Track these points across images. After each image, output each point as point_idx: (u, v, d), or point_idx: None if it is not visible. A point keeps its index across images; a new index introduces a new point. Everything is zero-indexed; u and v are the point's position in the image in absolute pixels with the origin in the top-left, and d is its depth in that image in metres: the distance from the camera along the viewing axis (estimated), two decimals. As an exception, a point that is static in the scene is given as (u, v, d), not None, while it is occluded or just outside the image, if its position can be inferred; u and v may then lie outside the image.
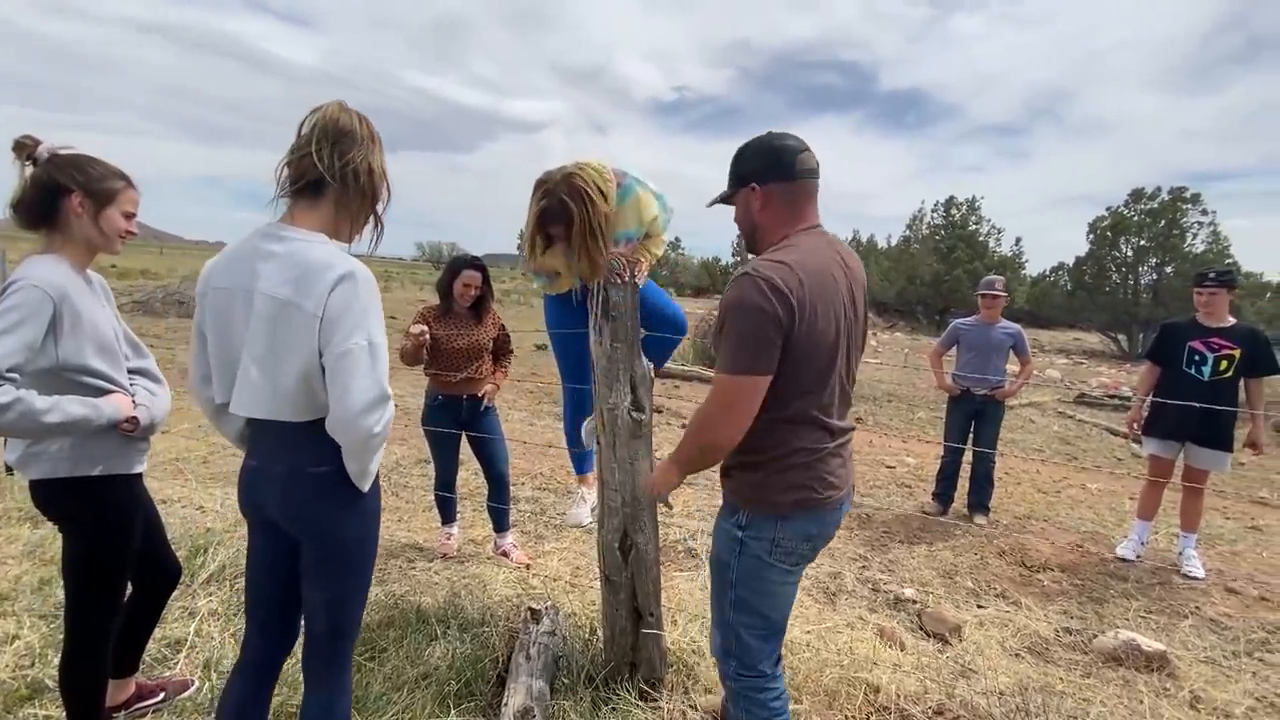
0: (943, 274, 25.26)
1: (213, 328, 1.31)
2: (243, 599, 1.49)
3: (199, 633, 2.32)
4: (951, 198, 27.91)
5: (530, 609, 2.35)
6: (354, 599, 1.41)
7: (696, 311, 13.90)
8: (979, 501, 4.33)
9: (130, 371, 1.70)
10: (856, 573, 3.40)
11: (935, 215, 28.49)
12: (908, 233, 29.67)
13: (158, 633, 2.17)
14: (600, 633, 2.24)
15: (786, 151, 1.41)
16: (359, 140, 1.31)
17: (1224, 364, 3.49)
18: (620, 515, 2.03)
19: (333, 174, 1.28)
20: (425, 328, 2.96)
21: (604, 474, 2.05)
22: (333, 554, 1.34)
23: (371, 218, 1.40)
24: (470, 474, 4.20)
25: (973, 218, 27.22)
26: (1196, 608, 3.24)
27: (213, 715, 1.69)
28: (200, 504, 3.73)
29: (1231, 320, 3.58)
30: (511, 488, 3.42)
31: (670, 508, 1.71)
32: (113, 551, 1.66)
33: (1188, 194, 19.88)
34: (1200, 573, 3.57)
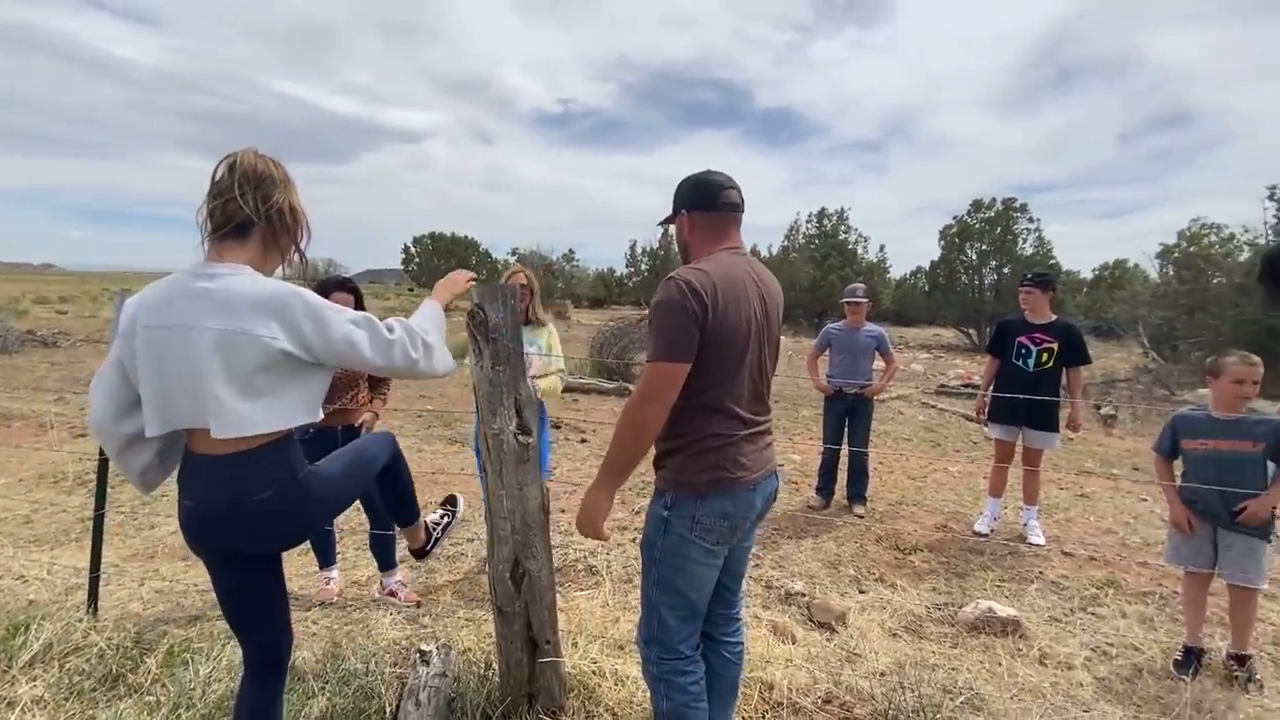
0: (819, 280, 27.07)
1: (146, 364, 1.37)
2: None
3: (18, 728, 1.98)
4: (823, 209, 30.07)
5: (419, 650, 2.22)
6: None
7: (593, 323, 13.91)
8: (857, 493, 4.65)
9: None
10: (750, 571, 3.52)
11: (809, 225, 30.53)
12: (786, 242, 31.57)
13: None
14: (496, 666, 2.16)
15: (712, 186, 1.67)
16: (278, 183, 1.44)
17: (1045, 356, 3.99)
18: (510, 544, 1.97)
19: (259, 215, 1.40)
20: None
21: (491, 503, 1.98)
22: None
23: (295, 252, 1.53)
24: (351, 510, 3.92)
25: (842, 227, 29.44)
26: (1040, 572, 3.65)
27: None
28: (21, 573, 3.21)
29: (1052, 316, 4.10)
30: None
31: (607, 538, 1.72)
32: None
33: (1017, 204, 22.71)
34: (1042, 540, 4.04)
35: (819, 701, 2.27)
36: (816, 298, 26.88)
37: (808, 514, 4.55)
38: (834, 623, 2.94)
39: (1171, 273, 14.10)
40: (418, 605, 2.99)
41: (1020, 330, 4.08)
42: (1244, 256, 12.30)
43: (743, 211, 1.71)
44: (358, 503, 3.13)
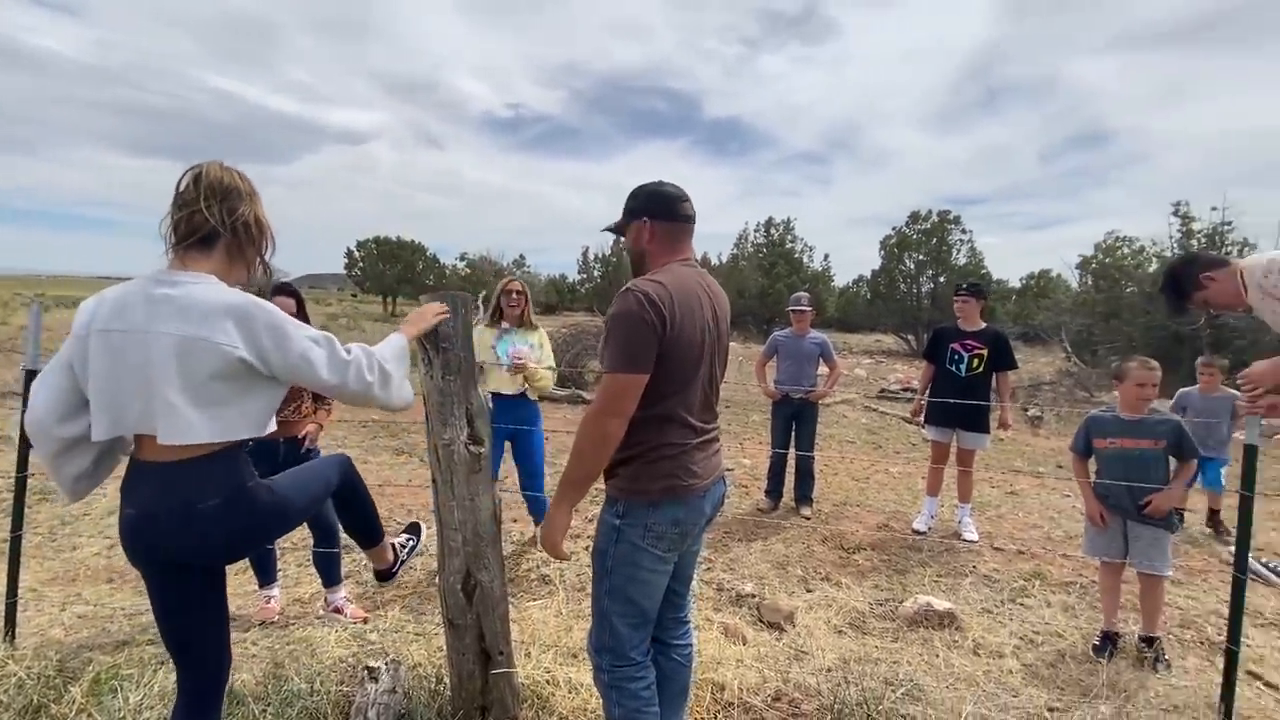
0: (767, 288, 27.67)
1: (99, 368, 1.36)
2: None
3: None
4: (770, 218, 30.76)
5: (367, 667, 2.17)
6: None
7: (546, 330, 13.82)
8: (803, 494, 4.80)
9: None
10: (702, 575, 3.58)
11: (757, 234, 31.18)
12: (735, 250, 32.16)
13: None
14: (447, 680, 2.13)
15: (672, 198, 1.71)
16: (243, 196, 1.46)
17: (975, 361, 4.23)
18: (462, 555, 1.96)
19: (224, 227, 1.42)
20: None
21: (442, 514, 1.97)
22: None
23: (260, 263, 1.55)
24: (294, 525, 3.79)
25: (789, 237, 30.20)
26: (974, 567, 3.85)
27: None
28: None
29: (982, 324, 4.35)
30: (342, 535, 3.14)
31: (567, 558, 1.70)
32: None
33: (951, 215, 23.86)
34: (975, 536, 4.27)
35: (768, 700, 2.33)
36: (765, 305, 27.44)
37: (757, 516, 4.66)
38: (783, 622, 3.02)
39: (1089, 282, 15.10)
40: (365, 621, 2.91)
41: (953, 337, 4.31)
42: (1152, 268, 13.28)
43: (687, 220, 1.74)
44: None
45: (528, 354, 3.57)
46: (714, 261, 33.23)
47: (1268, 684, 2.74)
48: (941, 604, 3.15)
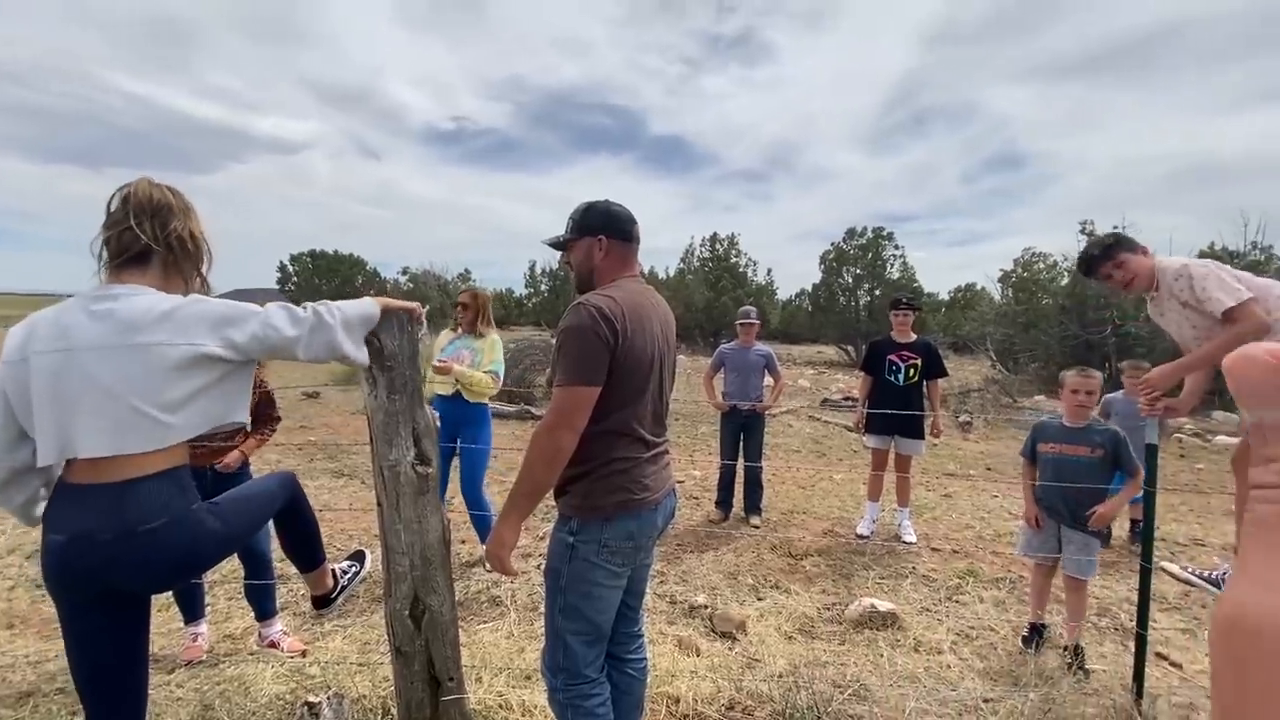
0: (713, 301, 28.20)
1: (41, 391, 1.32)
2: None
3: None
4: (715, 234, 31.41)
5: (307, 703, 2.08)
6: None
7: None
8: (752, 504, 4.89)
9: None
10: (655, 588, 3.59)
11: (703, 249, 31.76)
12: (682, 265, 32.62)
13: None
14: (394, 711, 2.06)
15: (626, 218, 1.75)
16: (176, 211, 1.45)
17: (911, 371, 4.44)
18: (409, 580, 1.90)
19: (158, 243, 1.42)
20: None
21: (388, 538, 1.91)
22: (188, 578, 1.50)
23: (197, 277, 1.53)
24: (224, 556, 3.58)
25: (733, 251, 30.90)
26: (913, 567, 4.01)
27: None
28: None
29: (914, 336, 4.57)
30: (277, 564, 2.99)
31: (515, 574, 1.71)
32: None
33: (885, 232, 25.02)
34: (913, 538, 4.45)
35: (723, 709, 2.35)
36: (711, 318, 27.93)
37: (709, 528, 4.71)
38: (735, 631, 3.06)
39: (1010, 295, 16.06)
40: (304, 654, 2.78)
41: (889, 349, 4.51)
42: (1064, 281, 14.26)
43: (631, 240, 1.78)
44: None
45: (466, 357, 3.81)
46: (661, 275, 33.58)
47: (1173, 663, 2.96)
48: (884, 605, 3.26)
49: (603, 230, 1.72)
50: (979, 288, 29.08)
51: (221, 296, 2.93)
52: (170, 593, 2.80)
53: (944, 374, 4.55)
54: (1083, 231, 13.43)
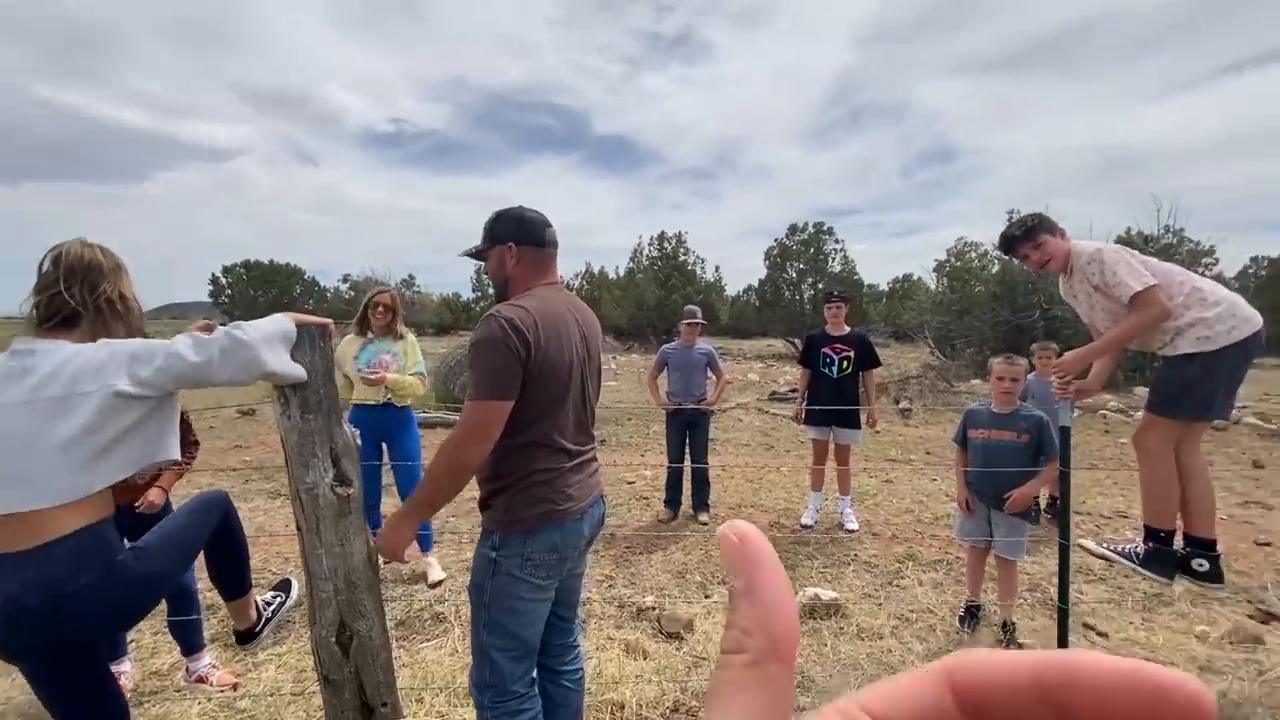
0: (663, 299, 28.41)
1: None
2: None
3: None
4: (663, 232, 31.68)
5: (233, 741, 1.97)
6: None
7: (438, 350, 13.30)
8: (700, 501, 4.93)
9: None
10: (603, 593, 3.58)
11: (652, 248, 31.97)
12: (631, 264, 32.73)
13: None
14: (327, 742, 1.98)
15: (538, 223, 1.70)
16: (106, 273, 1.46)
17: (845, 363, 4.56)
18: (334, 606, 1.82)
19: (86, 307, 1.42)
20: None
21: (310, 564, 1.83)
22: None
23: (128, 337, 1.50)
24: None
25: (681, 249, 31.22)
26: (855, 554, 4.12)
27: None
28: None
29: (847, 328, 4.70)
30: (205, 594, 2.84)
31: (406, 562, 1.79)
32: None
33: (826, 227, 25.76)
34: (855, 525, 4.57)
35: (667, 712, 2.36)
36: (663, 316, 28.11)
37: (658, 528, 4.73)
38: (682, 631, 3.08)
39: (945, 284, 16.75)
40: (234, 688, 2.65)
41: (824, 342, 4.63)
42: (995, 269, 14.96)
43: (548, 246, 1.73)
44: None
45: (390, 362, 3.69)
46: (611, 274, 33.57)
47: (1099, 633, 3.14)
48: (828, 594, 3.34)
49: (513, 238, 1.68)
50: (916, 278, 30.24)
51: (154, 311, 2.83)
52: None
53: (877, 364, 4.69)
54: (1009, 219, 14.14)
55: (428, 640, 3.04)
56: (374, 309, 3.73)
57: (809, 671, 2.65)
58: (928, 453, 7.49)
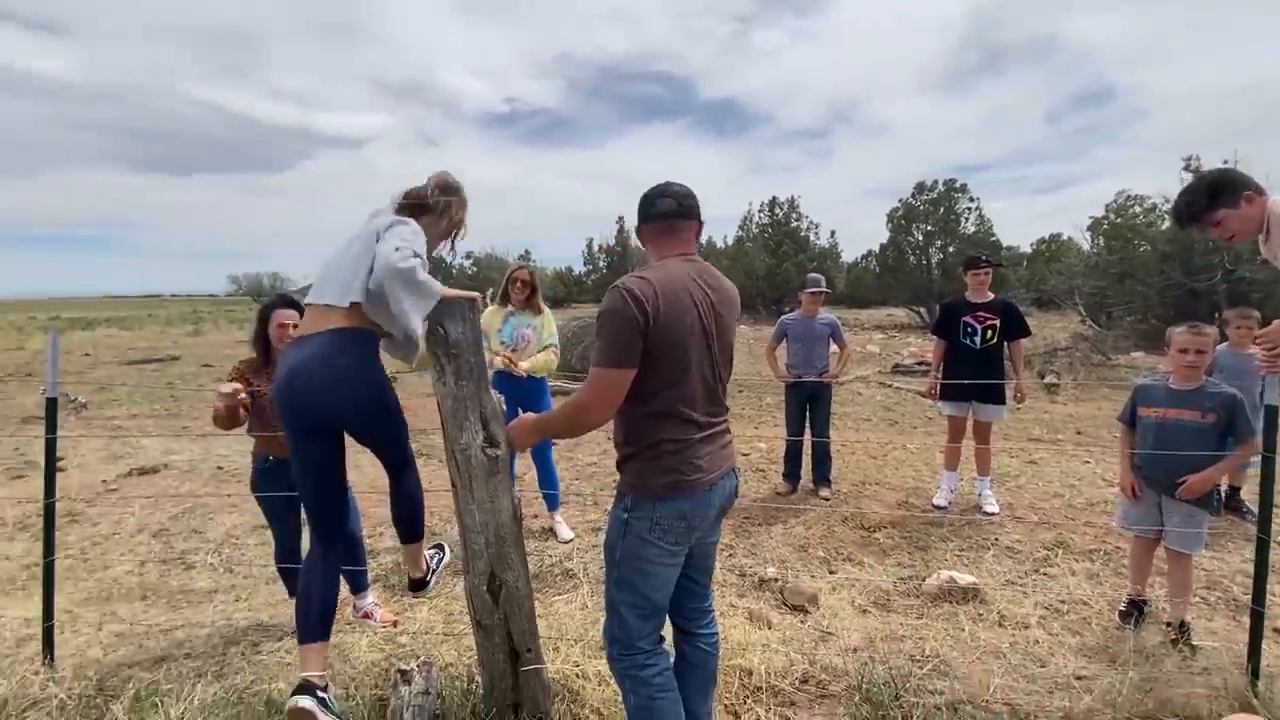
0: (774, 268, 27.52)
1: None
2: None
3: None
4: (774, 198, 30.52)
5: (400, 670, 2.21)
6: None
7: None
8: (821, 476, 4.80)
9: None
10: (724, 561, 3.60)
11: (762, 215, 30.96)
12: (740, 232, 31.95)
13: None
14: (479, 679, 2.17)
15: (649, 198, 1.77)
16: (458, 195, 2.17)
17: (989, 333, 4.19)
18: (485, 557, 1.98)
19: (432, 208, 2.09)
20: (239, 386, 2.66)
21: (463, 518, 1.99)
22: None
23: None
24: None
25: (794, 215, 29.97)
26: (996, 539, 3.84)
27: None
28: None
29: (991, 295, 4.30)
30: (367, 540, 3.19)
31: (524, 450, 2.16)
32: None
33: (958, 184, 23.56)
34: (995, 508, 4.25)
35: (796, 682, 2.35)
36: (773, 285, 27.30)
37: (776, 500, 4.67)
38: (807, 604, 3.04)
39: (1101, 244, 14.85)
40: (394, 625, 2.96)
41: (964, 310, 4.27)
42: (1165, 225, 13.03)
43: (686, 218, 1.75)
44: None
45: (530, 336, 3.91)
46: (719, 244, 33.05)
47: (1298, 642, 2.72)
48: (965, 578, 3.15)
49: (640, 216, 1.79)
50: (1065, 238, 27.04)
51: (297, 290, 3.26)
52: (276, 570, 3.04)
53: (1026, 333, 4.28)
54: (1187, 169, 12.19)
55: (560, 594, 3.22)
56: (514, 284, 3.94)
57: (945, 655, 2.52)
58: (1079, 432, 6.78)
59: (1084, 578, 3.32)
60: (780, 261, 27.59)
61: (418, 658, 2.36)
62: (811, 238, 29.69)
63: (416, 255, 1.82)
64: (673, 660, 1.90)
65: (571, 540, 3.98)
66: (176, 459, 6.21)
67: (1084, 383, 9.43)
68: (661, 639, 1.80)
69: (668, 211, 1.74)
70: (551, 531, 4.07)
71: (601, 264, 38.43)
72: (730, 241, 31.81)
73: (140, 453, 6.55)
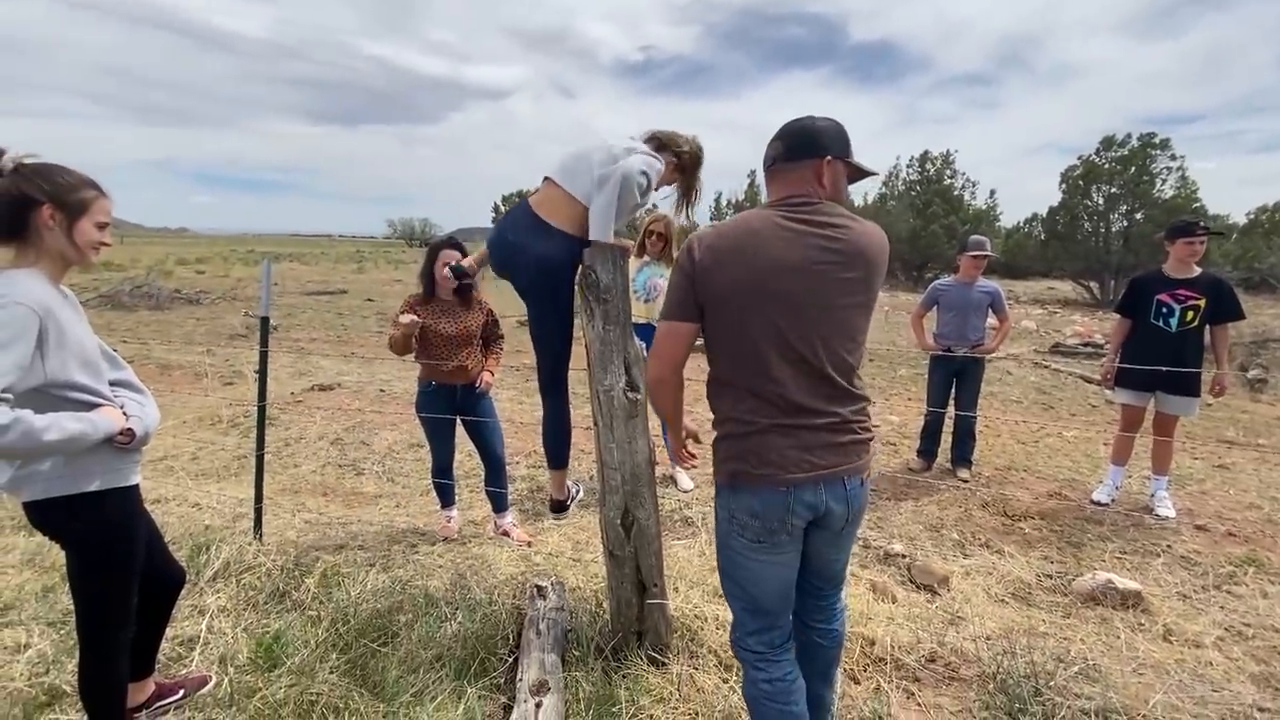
0: (919, 230, 25.35)
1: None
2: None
3: (210, 629, 2.36)
4: (926, 152, 27.74)
5: (536, 585, 2.42)
6: None
7: (677, 280, 13.86)
8: (962, 456, 4.47)
9: (111, 384, 1.68)
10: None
11: (910, 171, 28.43)
12: (884, 189, 29.65)
13: (170, 632, 2.21)
14: (606, 605, 2.31)
15: (770, 143, 1.56)
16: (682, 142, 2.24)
17: (1190, 314, 3.60)
18: (621, 493, 2.08)
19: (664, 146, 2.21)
20: (415, 317, 2.95)
21: (603, 455, 2.09)
22: None
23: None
24: (464, 455, 4.23)
25: (947, 172, 27.20)
26: (1168, 546, 3.41)
27: (233, 709, 1.91)
28: (196, 501, 3.73)
29: (1197, 270, 3.68)
30: (507, 467, 3.47)
31: (698, 438, 1.98)
32: (120, 564, 1.67)
33: (1157, 139, 20.09)
34: (1171, 513, 3.75)
35: (923, 660, 2.28)
36: (917, 249, 25.20)
37: (907, 476, 4.45)
38: (936, 585, 2.90)
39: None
40: (529, 545, 3.22)
41: (1160, 287, 3.69)
42: None
43: (792, 159, 1.47)
44: (474, 453, 3.42)
45: (661, 285, 3.90)
46: (859, 202, 30.99)
47: None
48: (1125, 583, 2.84)
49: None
50: (1294, 207, 22.41)
51: (447, 235, 3.43)
52: (432, 483, 3.41)
53: (1240, 316, 3.63)
54: None
55: (679, 539, 3.33)
56: (650, 235, 3.97)
57: (1097, 662, 2.31)
58: (1288, 438, 5.75)
59: (1278, 602, 2.88)
60: (927, 223, 25.32)
61: (551, 577, 2.57)
62: (966, 197, 26.90)
63: (646, 176, 1.96)
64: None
65: (691, 490, 4.07)
66: (347, 379, 7.06)
67: (1302, 381, 7.92)
68: (771, 643, 1.56)
69: (775, 156, 1.52)
70: (672, 480, 4.18)
71: (729, 217, 37.59)
72: (871, 199, 29.64)
73: (319, 371, 7.52)
